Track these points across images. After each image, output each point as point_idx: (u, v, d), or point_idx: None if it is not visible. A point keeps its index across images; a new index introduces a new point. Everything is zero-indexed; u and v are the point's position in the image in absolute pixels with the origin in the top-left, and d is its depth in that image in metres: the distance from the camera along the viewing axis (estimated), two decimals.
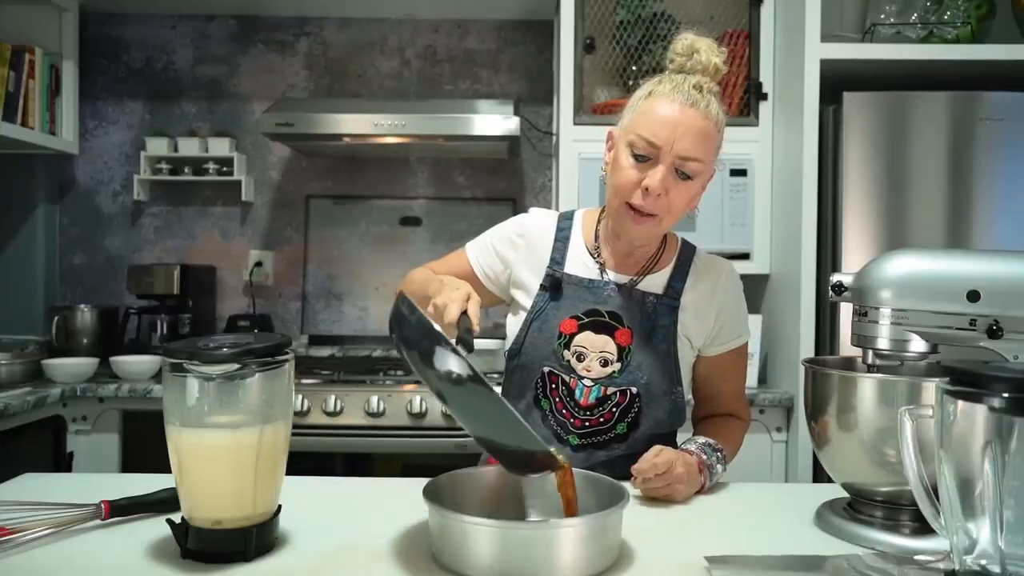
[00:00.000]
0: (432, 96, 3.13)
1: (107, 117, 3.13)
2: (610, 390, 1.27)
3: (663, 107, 1.20)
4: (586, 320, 1.29)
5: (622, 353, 1.27)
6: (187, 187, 3.13)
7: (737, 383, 1.41)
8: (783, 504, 1.19)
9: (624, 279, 1.32)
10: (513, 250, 1.37)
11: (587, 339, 1.28)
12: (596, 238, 1.36)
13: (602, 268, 1.33)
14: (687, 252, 1.37)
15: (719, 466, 1.26)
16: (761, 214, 2.54)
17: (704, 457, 1.23)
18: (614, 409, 1.27)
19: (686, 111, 1.19)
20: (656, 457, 1.15)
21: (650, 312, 1.30)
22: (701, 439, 1.28)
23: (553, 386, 1.29)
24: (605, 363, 1.27)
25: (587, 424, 1.28)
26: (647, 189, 1.20)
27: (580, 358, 1.27)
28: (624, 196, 1.23)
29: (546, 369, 1.29)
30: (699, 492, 1.22)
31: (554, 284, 1.31)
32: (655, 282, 1.32)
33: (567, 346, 1.28)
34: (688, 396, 1.37)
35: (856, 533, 1.02)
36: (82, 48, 2.97)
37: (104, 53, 3.12)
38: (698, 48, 1.24)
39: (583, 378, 1.27)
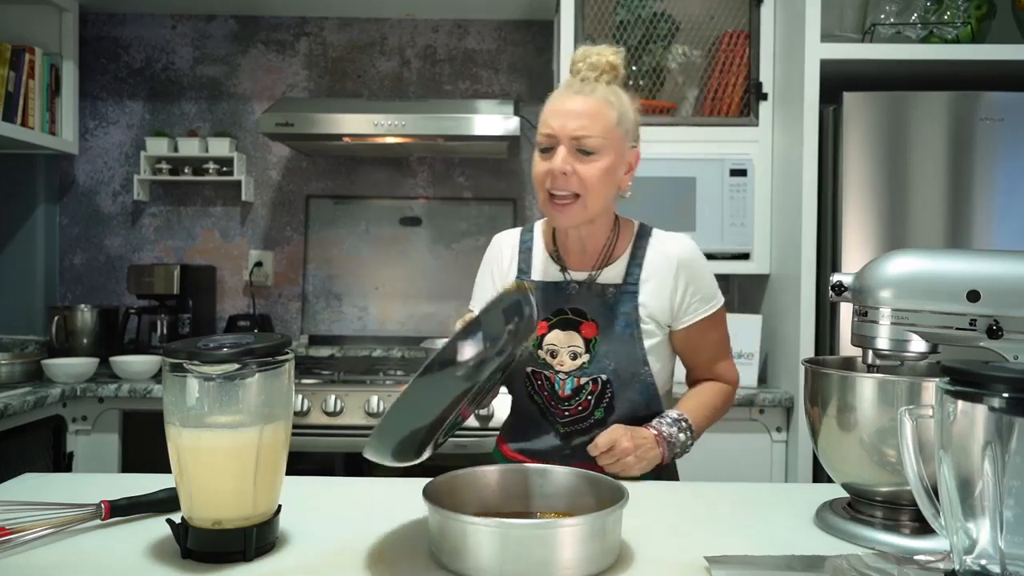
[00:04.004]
0: (432, 96, 3.13)
1: (107, 117, 3.13)
2: (583, 380, 1.36)
3: (553, 103, 1.35)
4: (554, 320, 1.39)
5: (589, 345, 1.37)
6: (187, 187, 3.13)
7: (713, 350, 1.45)
8: (783, 504, 1.19)
9: (584, 275, 1.40)
10: (491, 278, 1.50)
11: (556, 337, 1.38)
12: (555, 242, 1.45)
13: (563, 269, 1.42)
14: (643, 236, 1.43)
15: (681, 435, 1.34)
16: (761, 214, 2.54)
17: (663, 429, 1.33)
18: (589, 397, 1.36)
19: (572, 98, 1.32)
20: (600, 437, 1.29)
21: (611, 302, 1.38)
22: (668, 413, 1.37)
23: (539, 383, 1.39)
24: (575, 356, 1.37)
25: (567, 413, 1.38)
26: (552, 172, 1.30)
27: (553, 355, 1.38)
28: (541, 188, 1.34)
29: (528, 369, 1.39)
30: (662, 463, 1.33)
31: None
32: (614, 272, 1.40)
33: (540, 346, 1.38)
34: (664, 371, 1.43)
35: (856, 533, 1.02)
36: (82, 48, 2.98)
37: (104, 53, 3.12)
38: (589, 53, 1.36)
39: (558, 372, 1.37)
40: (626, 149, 1.35)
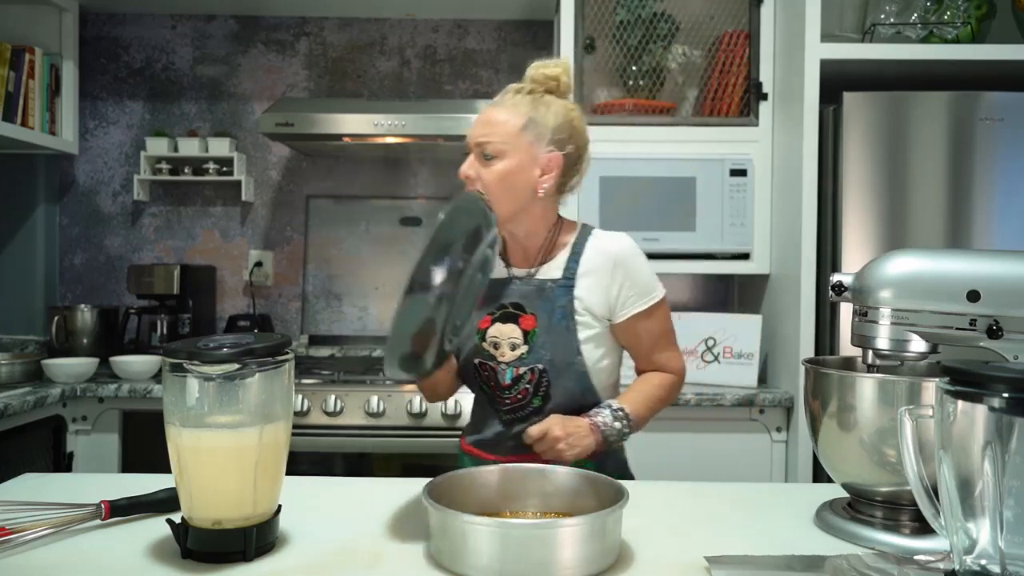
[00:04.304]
0: (432, 96, 3.13)
1: (107, 117, 3.13)
2: (521, 370, 1.44)
3: None
4: (496, 314, 1.48)
5: (527, 336, 1.45)
6: (187, 187, 3.13)
7: (653, 342, 1.50)
8: (783, 504, 1.20)
9: (524, 271, 1.50)
10: None
11: (497, 330, 1.46)
12: (504, 242, 1.53)
13: (508, 266, 1.52)
14: (583, 235, 1.50)
15: (617, 424, 1.39)
16: (761, 214, 2.54)
17: (598, 419, 1.39)
18: (527, 386, 1.44)
19: (486, 109, 1.45)
20: (533, 427, 1.36)
21: (549, 296, 1.45)
22: (608, 403, 1.43)
23: (485, 373, 1.48)
24: (514, 347, 1.45)
25: (508, 401, 1.46)
26: (461, 176, 1.44)
27: (496, 347, 1.46)
28: None
29: (476, 361, 1.48)
30: (597, 451, 1.38)
31: None
32: (553, 268, 1.48)
33: (484, 339, 1.47)
34: (604, 362, 1.48)
35: (856, 533, 1.02)
36: (82, 48, 2.98)
37: (104, 53, 3.12)
38: (532, 68, 1.47)
39: (500, 362, 1.46)
40: (537, 153, 1.42)
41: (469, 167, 1.43)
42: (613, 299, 1.44)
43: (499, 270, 1.52)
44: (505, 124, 1.41)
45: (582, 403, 1.44)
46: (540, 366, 1.43)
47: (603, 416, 1.39)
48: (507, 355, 1.45)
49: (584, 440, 1.36)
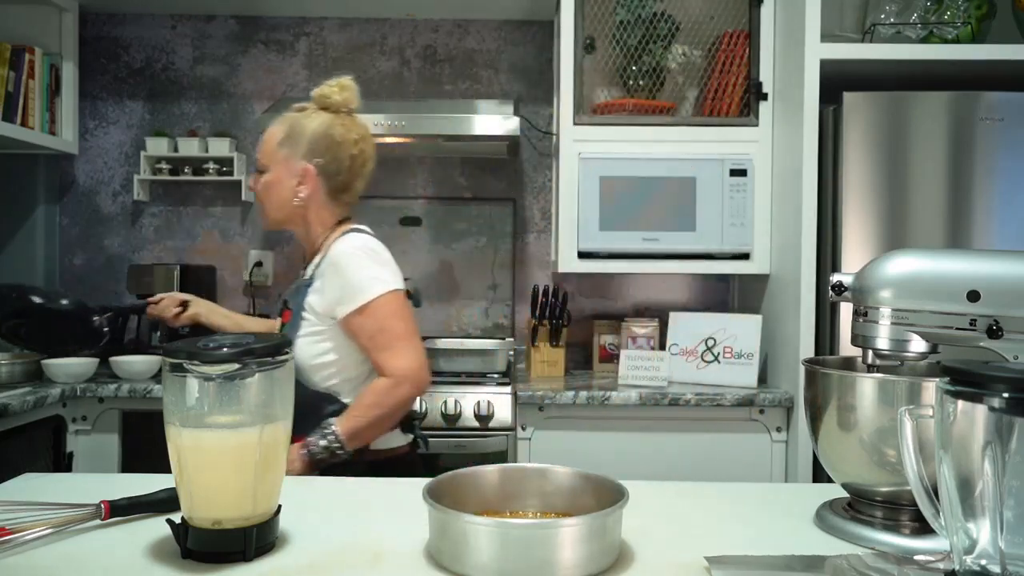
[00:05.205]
0: (432, 96, 3.13)
1: (107, 117, 3.13)
2: None
3: None
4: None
5: (281, 329, 1.63)
6: (187, 187, 3.13)
7: (369, 340, 1.55)
8: (783, 504, 1.19)
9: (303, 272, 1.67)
10: None
11: (280, 324, 1.66)
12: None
13: (304, 267, 1.70)
14: (337, 238, 1.61)
15: (323, 441, 1.49)
16: (761, 214, 2.54)
17: (307, 439, 1.50)
18: None
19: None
20: None
21: (300, 294, 1.60)
22: (325, 421, 1.53)
23: None
24: None
25: None
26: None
27: None
28: None
29: None
30: (309, 469, 1.49)
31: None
32: (311, 268, 1.62)
33: (282, 329, 1.65)
34: (323, 358, 1.57)
35: (856, 533, 1.02)
36: (82, 48, 2.98)
37: (104, 53, 3.12)
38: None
39: None
40: (292, 165, 1.59)
41: (253, 179, 1.64)
42: (330, 300, 1.54)
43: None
44: (269, 141, 1.61)
45: (297, 392, 1.55)
46: None
47: (312, 435, 1.50)
48: None
49: (293, 465, 1.46)
